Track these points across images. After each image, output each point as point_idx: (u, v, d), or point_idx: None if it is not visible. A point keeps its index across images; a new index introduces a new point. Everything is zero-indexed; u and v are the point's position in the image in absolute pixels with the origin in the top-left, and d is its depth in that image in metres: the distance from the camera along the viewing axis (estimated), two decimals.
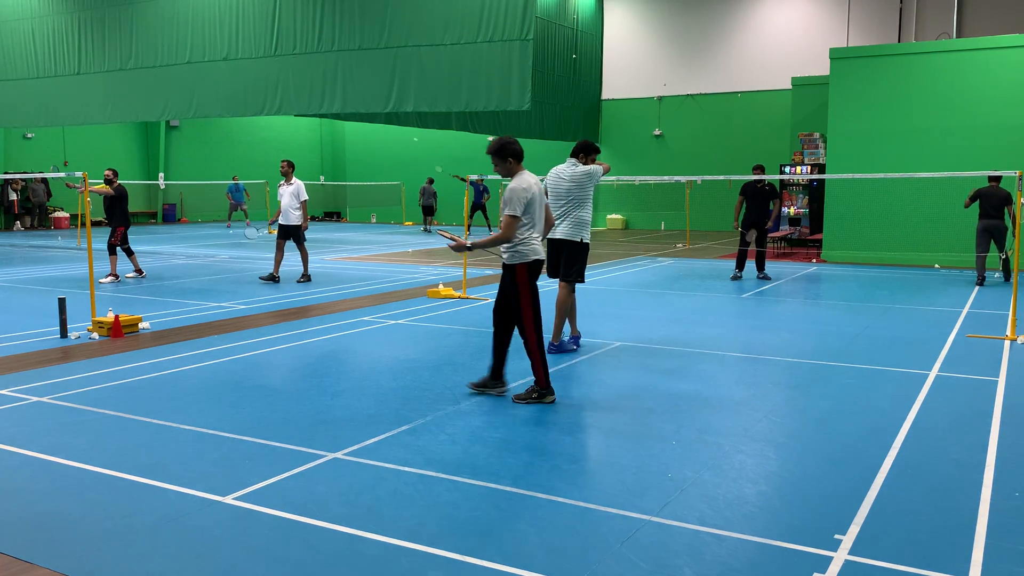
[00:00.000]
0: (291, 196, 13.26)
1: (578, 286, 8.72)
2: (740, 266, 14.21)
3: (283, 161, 13.63)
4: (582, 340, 8.58)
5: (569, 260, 7.97)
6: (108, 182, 13.59)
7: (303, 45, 17.34)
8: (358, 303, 11.37)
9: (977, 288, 13.10)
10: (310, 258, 14.48)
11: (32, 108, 21.32)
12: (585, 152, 8.03)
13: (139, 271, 14.16)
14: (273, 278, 13.39)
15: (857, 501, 4.36)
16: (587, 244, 8.02)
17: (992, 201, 13.36)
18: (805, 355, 8.10)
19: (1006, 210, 13.27)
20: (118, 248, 13.64)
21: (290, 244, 13.62)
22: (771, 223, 14.06)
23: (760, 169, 14.04)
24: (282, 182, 13.45)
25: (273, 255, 13.99)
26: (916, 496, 4.45)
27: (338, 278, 14.21)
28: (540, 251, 6.29)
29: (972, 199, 13.56)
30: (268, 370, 7.46)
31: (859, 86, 17.28)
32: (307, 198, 13.39)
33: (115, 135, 30.56)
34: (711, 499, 4.40)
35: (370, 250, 20.31)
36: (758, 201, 13.90)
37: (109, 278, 13.32)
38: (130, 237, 14.16)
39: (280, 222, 13.39)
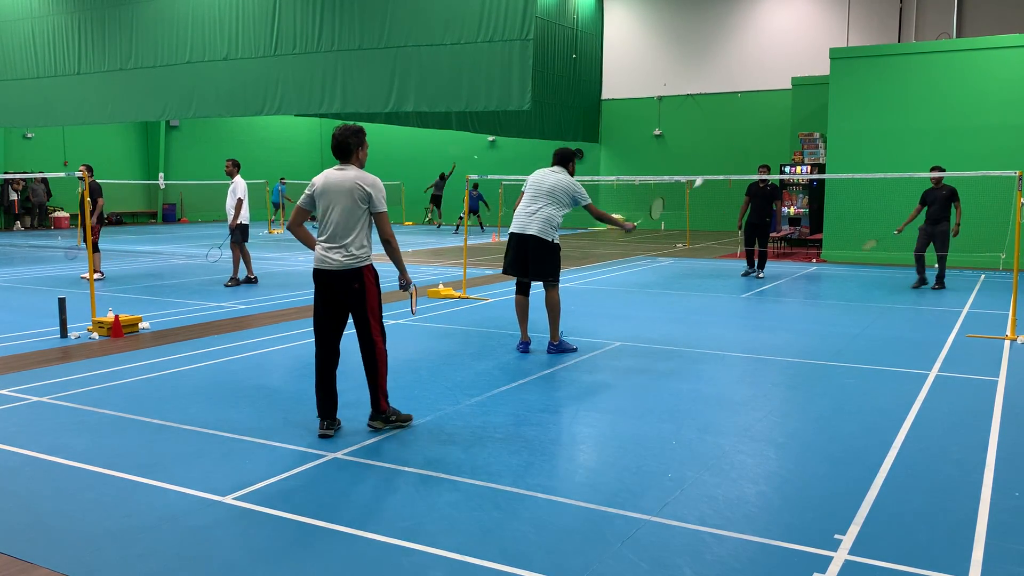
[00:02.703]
0: (229, 196, 12.86)
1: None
2: (751, 263, 14.61)
3: (227, 161, 13.11)
4: (578, 340, 8.58)
5: (539, 259, 7.86)
6: (81, 178, 13.60)
7: (303, 45, 17.34)
8: None
9: (977, 289, 13.09)
10: (252, 261, 13.56)
11: (32, 108, 21.33)
12: (571, 161, 8.11)
13: (99, 271, 14.07)
14: (249, 280, 13.17)
15: (857, 501, 4.36)
16: (558, 245, 7.97)
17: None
18: (805, 355, 8.10)
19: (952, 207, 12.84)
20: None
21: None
22: (774, 225, 14.15)
23: (765, 169, 14.21)
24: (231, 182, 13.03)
25: (250, 256, 13.50)
26: (916, 496, 4.45)
27: None
28: (319, 260, 5.41)
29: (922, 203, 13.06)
30: (268, 370, 7.46)
31: (859, 86, 17.27)
32: (239, 197, 12.74)
33: (115, 135, 30.56)
34: (711, 499, 4.40)
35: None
36: (759, 201, 14.22)
37: (99, 275, 13.59)
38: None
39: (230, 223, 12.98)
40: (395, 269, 5.74)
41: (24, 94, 21.21)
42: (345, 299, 5.43)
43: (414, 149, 33.35)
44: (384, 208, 5.44)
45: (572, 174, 8.09)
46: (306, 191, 5.51)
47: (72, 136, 28.91)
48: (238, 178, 12.92)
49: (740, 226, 14.61)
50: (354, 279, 5.39)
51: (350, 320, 5.58)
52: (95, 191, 13.77)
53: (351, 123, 5.58)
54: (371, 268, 5.50)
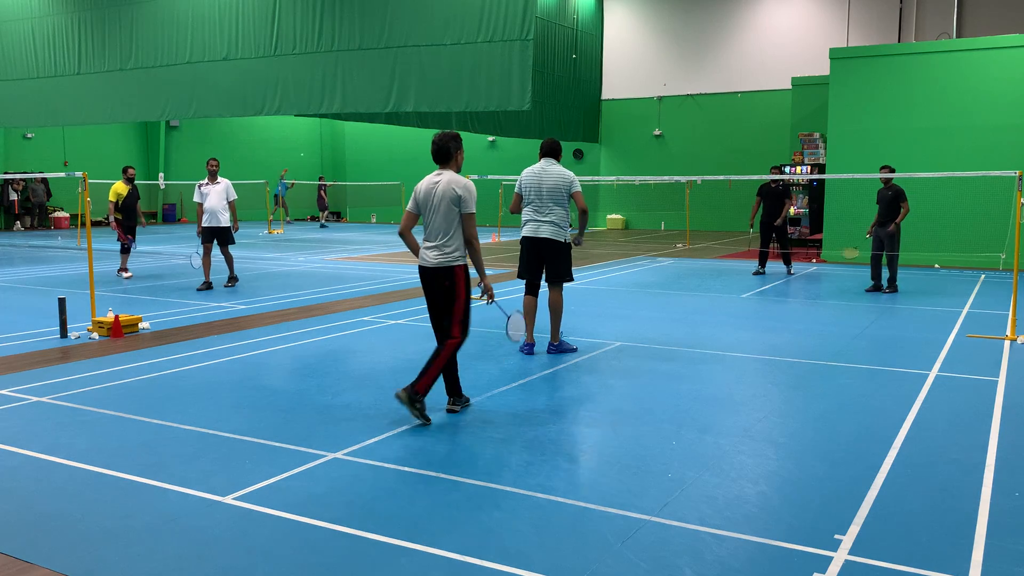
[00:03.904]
0: (218, 196, 12.32)
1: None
2: (762, 263, 14.95)
3: (212, 159, 12.62)
4: (578, 340, 8.58)
5: (555, 261, 7.88)
6: (131, 180, 13.96)
7: (303, 45, 17.34)
8: (358, 303, 11.38)
9: (977, 289, 13.09)
10: (234, 261, 13.19)
11: (32, 108, 21.33)
12: (559, 152, 8.05)
13: (125, 269, 14.40)
14: (208, 286, 12.47)
15: (857, 501, 4.36)
16: (570, 244, 8.00)
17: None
18: (805, 355, 8.10)
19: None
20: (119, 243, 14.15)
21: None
22: (779, 221, 14.40)
23: (778, 170, 14.54)
24: (204, 181, 12.40)
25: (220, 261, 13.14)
26: (916, 496, 4.45)
27: (338, 278, 14.21)
28: (420, 258, 5.85)
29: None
30: (268, 370, 7.46)
31: (859, 86, 17.27)
32: (236, 198, 12.48)
33: (115, 135, 30.56)
34: (711, 499, 4.40)
35: (370, 250, 20.31)
36: (772, 201, 14.51)
37: (127, 273, 14.21)
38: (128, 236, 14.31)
39: (205, 224, 12.36)
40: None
41: (24, 94, 21.20)
42: (438, 294, 5.84)
43: (415, 149, 33.34)
44: (472, 210, 5.76)
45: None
46: (412, 198, 5.91)
47: (72, 136, 28.91)
48: (224, 179, 12.48)
49: (751, 226, 14.90)
50: (445, 277, 5.77)
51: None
52: (136, 196, 14.11)
53: (448, 130, 5.94)
54: (463, 268, 5.82)
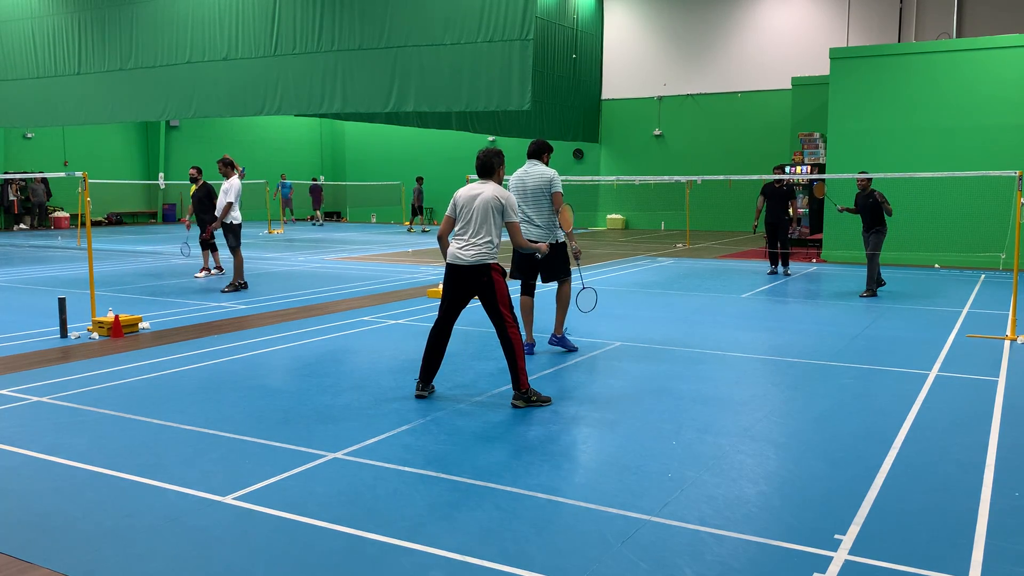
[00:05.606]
0: (222, 193, 12.38)
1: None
2: (774, 263, 15.01)
3: (219, 161, 12.69)
4: (578, 340, 8.58)
5: (547, 261, 7.82)
6: (194, 180, 13.95)
7: (303, 45, 17.34)
8: (358, 303, 11.38)
9: (977, 289, 13.09)
10: (244, 264, 13.02)
11: (32, 108, 21.34)
12: (544, 151, 7.98)
13: (220, 267, 14.35)
14: (239, 285, 12.54)
15: (857, 501, 4.36)
16: (564, 243, 7.93)
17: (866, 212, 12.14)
18: (805, 355, 8.10)
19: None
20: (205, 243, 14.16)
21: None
22: (792, 222, 14.47)
23: (780, 169, 14.54)
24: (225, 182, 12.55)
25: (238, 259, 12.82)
26: (916, 496, 4.45)
27: (338, 278, 14.21)
28: (453, 256, 6.19)
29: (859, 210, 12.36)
30: (268, 370, 7.46)
31: (859, 86, 17.27)
32: (227, 201, 12.28)
33: (115, 135, 30.55)
34: (711, 499, 4.40)
35: (370, 250, 20.31)
36: (776, 201, 14.51)
37: (203, 272, 14.11)
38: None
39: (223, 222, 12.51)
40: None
41: (24, 94, 21.21)
42: (476, 291, 6.23)
43: (415, 149, 33.35)
44: (517, 218, 6.32)
45: (547, 164, 7.99)
46: (452, 204, 6.34)
47: (72, 136, 28.91)
48: (234, 178, 12.45)
49: (755, 228, 14.87)
50: (483, 274, 6.18)
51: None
52: (211, 193, 13.97)
53: (492, 147, 6.48)
54: (498, 265, 6.26)
